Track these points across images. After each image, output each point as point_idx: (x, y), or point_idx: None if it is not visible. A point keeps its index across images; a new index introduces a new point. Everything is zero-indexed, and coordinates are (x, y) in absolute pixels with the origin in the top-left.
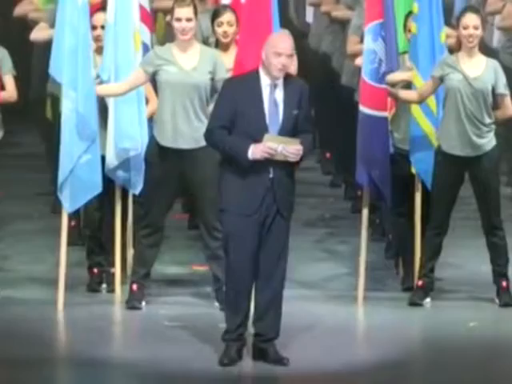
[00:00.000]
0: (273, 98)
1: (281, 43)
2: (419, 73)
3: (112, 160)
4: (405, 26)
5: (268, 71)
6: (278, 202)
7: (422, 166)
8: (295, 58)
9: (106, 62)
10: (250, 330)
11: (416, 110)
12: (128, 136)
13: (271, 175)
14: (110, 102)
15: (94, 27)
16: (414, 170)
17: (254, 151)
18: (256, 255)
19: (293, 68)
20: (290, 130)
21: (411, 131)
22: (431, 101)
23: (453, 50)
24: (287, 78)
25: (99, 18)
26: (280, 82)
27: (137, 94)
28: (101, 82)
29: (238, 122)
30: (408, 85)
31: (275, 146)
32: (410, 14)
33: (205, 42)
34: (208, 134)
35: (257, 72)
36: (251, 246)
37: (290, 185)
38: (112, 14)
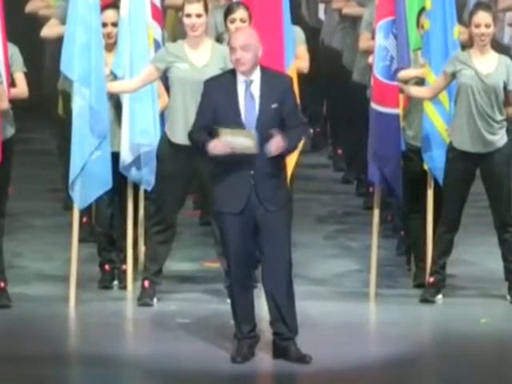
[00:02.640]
0: (248, 93)
1: (233, 38)
2: (432, 69)
3: (127, 156)
4: (418, 22)
5: None
6: (262, 198)
7: (434, 162)
8: (306, 55)
9: (121, 59)
10: (263, 326)
11: (429, 107)
12: (143, 132)
13: (252, 172)
14: (125, 99)
15: (104, 24)
16: (426, 167)
17: (211, 147)
18: (252, 253)
19: (304, 64)
20: (268, 122)
21: (424, 128)
22: (444, 98)
23: (465, 46)
24: (268, 72)
25: (109, 15)
26: (257, 78)
27: (151, 91)
28: (114, 79)
29: (218, 120)
30: (421, 81)
31: (230, 139)
32: (422, 10)
33: (219, 37)
34: (189, 136)
35: (233, 70)
36: (245, 244)
37: (275, 179)
38: (126, 9)
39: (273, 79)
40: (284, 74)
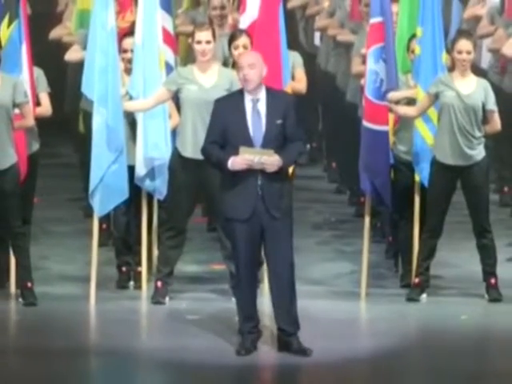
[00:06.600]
0: (255, 110)
1: (241, 58)
2: (423, 90)
3: (141, 169)
4: (408, 47)
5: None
6: (268, 206)
7: (425, 174)
8: (304, 78)
9: (136, 80)
10: (265, 322)
11: (420, 124)
12: (155, 146)
13: (260, 182)
14: (139, 117)
15: (125, 50)
16: (417, 178)
17: (233, 163)
18: (258, 256)
19: (302, 85)
20: (273, 138)
21: (415, 144)
22: (434, 116)
23: (448, 69)
24: (272, 92)
25: (131, 42)
26: (263, 96)
27: (162, 110)
28: (130, 99)
29: (228, 136)
30: (411, 101)
31: (251, 157)
32: (413, 36)
33: (226, 61)
34: (202, 151)
35: (241, 91)
36: (252, 248)
37: (281, 189)
38: (140, 36)
39: (276, 97)
40: (286, 92)
